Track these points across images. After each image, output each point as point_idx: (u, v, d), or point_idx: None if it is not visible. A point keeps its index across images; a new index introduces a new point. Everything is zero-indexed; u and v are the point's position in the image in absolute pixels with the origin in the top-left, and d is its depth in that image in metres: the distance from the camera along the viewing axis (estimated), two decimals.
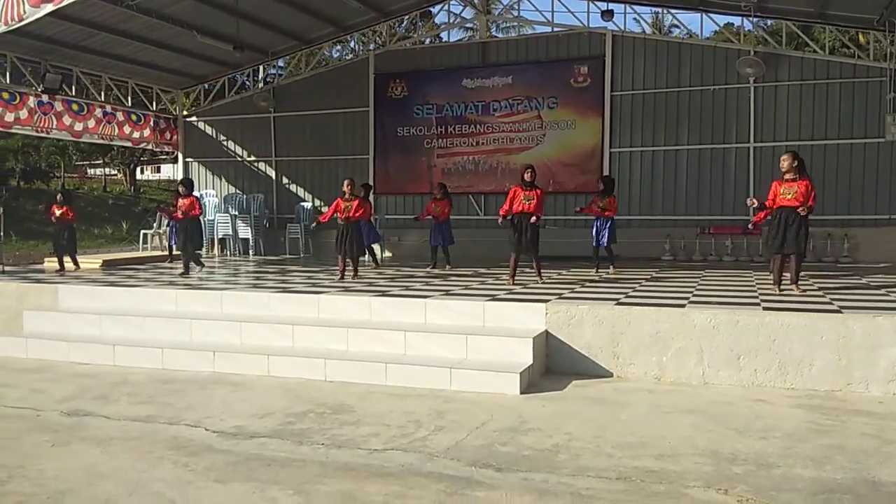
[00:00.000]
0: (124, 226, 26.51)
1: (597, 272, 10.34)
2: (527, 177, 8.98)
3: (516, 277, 9.24)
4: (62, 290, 9.35)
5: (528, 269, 9.69)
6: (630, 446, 4.74)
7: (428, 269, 11.39)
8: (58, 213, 11.88)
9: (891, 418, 5.32)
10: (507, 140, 14.91)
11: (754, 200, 8.31)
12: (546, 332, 6.94)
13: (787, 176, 7.71)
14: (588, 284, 9.07)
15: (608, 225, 10.23)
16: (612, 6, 14.15)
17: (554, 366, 6.89)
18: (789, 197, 7.63)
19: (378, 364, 6.64)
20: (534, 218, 8.89)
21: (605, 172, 14.22)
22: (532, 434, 5.02)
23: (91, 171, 44.83)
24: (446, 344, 6.89)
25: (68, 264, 12.09)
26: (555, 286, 8.79)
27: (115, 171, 40.86)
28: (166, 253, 14.43)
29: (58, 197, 12.23)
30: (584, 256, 11.93)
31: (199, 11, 13.19)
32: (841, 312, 6.43)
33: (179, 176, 18.06)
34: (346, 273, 10.05)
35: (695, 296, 7.83)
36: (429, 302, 7.66)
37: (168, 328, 8.04)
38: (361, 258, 10.42)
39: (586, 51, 14.42)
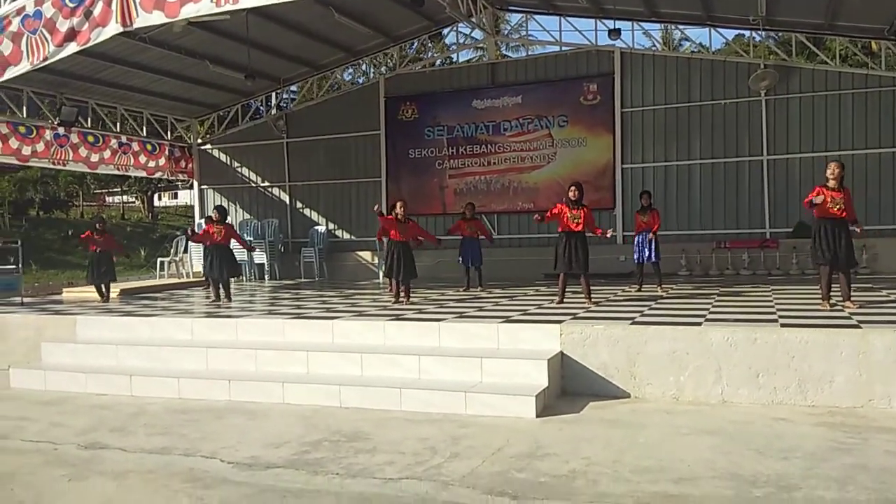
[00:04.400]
0: (142, 252, 26.74)
1: (640, 290, 10.26)
2: (572, 195, 8.82)
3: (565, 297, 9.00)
4: (80, 321, 9.42)
5: (575, 290, 9.30)
6: (649, 470, 4.68)
7: (462, 291, 11.26)
8: (97, 240, 11.88)
9: None
10: (518, 159, 14.94)
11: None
12: (561, 353, 6.89)
13: (831, 184, 7.48)
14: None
15: (651, 240, 10.11)
16: (619, 24, 14.16)
17: (570, 387, 6.83)
18: (836, 208, 7.43)
19: (393, 389, 6.62)
20: (609, 232, 8.93)
21: (618, 188, 14.23)
22: (549, 459, 4.97)
23: (109, 199, 45.43)
24: (461, 367, 6.86)
25: (93, 294, 12.11)
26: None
27: (133, 199, 41.37)
28: (187, 280, 14.55)
29: (97, 225, 12.23)
30: (610, 274, 11.85)
31: (210, 42, 13.38)
32: (860, 327, 6.34)
33: (196, 202, 18.25)
34: (399, 297, 9.81)
35: (711, 313, 7.75)
36: (443, 325, 7.65)
37: (184, 357, 8.06)
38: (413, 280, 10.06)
39: (595, 68, 14.46)
